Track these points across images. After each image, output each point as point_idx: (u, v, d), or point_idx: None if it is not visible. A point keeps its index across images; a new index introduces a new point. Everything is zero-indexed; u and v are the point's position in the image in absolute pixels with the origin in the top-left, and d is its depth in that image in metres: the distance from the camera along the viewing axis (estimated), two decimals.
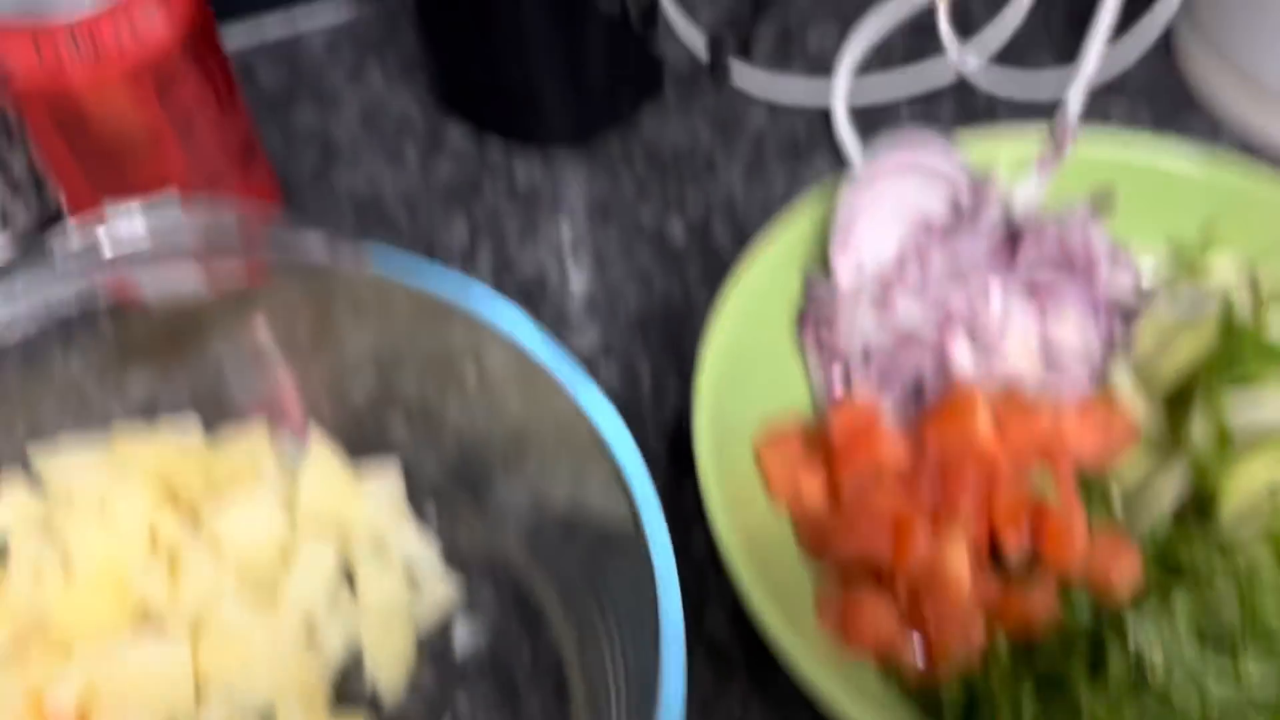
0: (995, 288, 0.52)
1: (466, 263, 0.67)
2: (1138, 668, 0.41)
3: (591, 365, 0.62)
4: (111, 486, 0.49)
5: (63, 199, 0.60)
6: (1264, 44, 0.68)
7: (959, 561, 0.45)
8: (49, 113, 0.53)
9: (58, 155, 0.56)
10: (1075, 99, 0.66)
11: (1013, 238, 0.54)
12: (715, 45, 0.73)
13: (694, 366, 0.51)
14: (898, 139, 0.55)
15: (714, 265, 0.67)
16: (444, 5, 0.68)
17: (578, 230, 0.69)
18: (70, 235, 0.50)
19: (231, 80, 0.59)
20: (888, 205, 0.55)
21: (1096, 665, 0.42)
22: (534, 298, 0.65)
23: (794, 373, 0.56)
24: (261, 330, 0.58)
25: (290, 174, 0.72)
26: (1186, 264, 0.57)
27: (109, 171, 0.56)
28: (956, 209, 0.56)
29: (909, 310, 0.52)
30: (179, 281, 0.53)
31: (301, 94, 0.77)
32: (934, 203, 0.56)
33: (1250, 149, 0.71)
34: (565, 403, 0.46)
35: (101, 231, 0.49)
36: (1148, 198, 0.58)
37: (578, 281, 0.66)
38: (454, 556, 0.54)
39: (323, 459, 0.52)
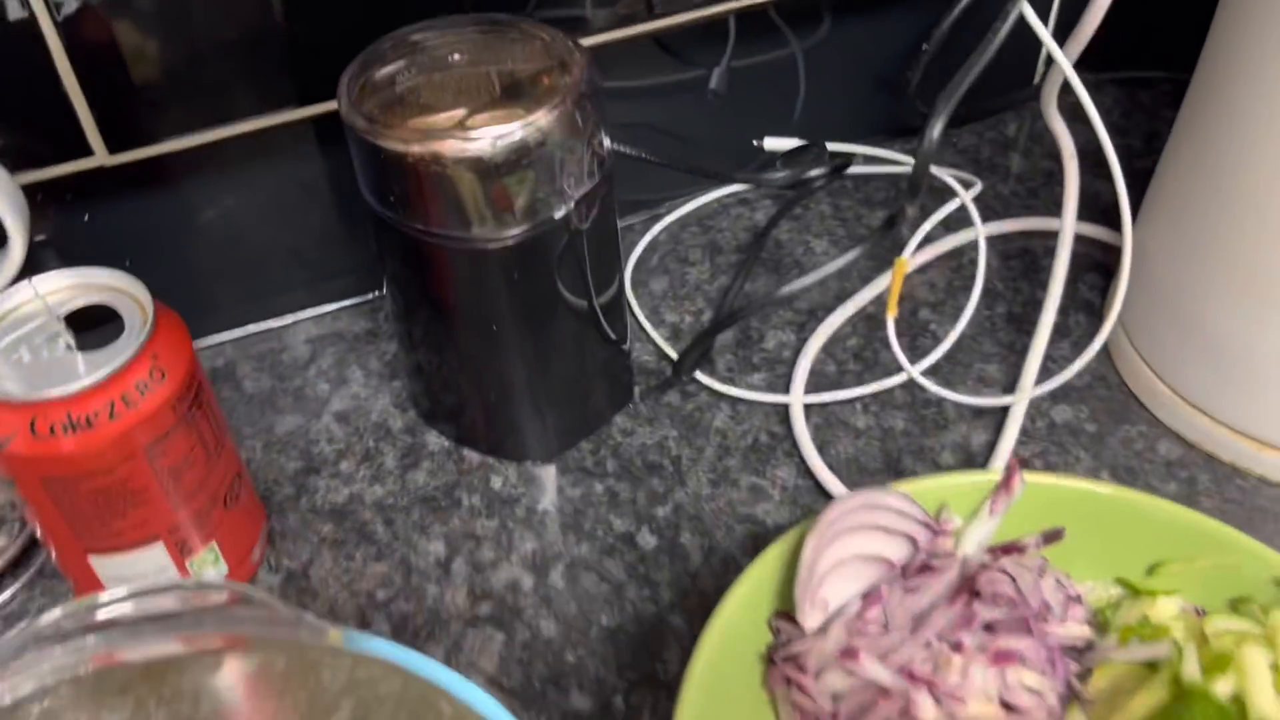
0: (956, 654, 0.54)
1: (442, 577, 0.69)
2: None
3: (564, 689, 0.63)
4: None
5: (50, 551, 0.62)
6: (1187, 360, 0.73)
7: None
8: (38, 477, 0.55)
9: (45, 510, 0.58)
10: (1012, 433, 0.71)
11: (970, 590, 0.56)
12: (681, 362, 0.77)
13: (665, 685, 0.53)
14: (856, 494, 0.58)
15: (683, 577, 0.69)
16: (419, 335, 0.72)
17: (551, 541, 0.71)
18: (55, 613, 0.51)
19: (221, 427, 0.62)
20: (851, 556, 0.57)
21: None
22: (508, 613, 0.67)
23: (764, 716, 0.57)
24: (235, 683, 0.59)
25: (270, 484, 0.74)
26: (1134, 601, 0.60)
27: (95, 525, 0.58)
28: (915, 552, 0.59)
29: (874, 669, 0.54)
30: (160, 649, 0.54)
31: (283, 399, 0.80)
32: (895, 550, 0.58)
33: (1190, 454, 0.75)
34: None
35: (88, 611, 0.51)
36: (1094, 533, 0.61)
37: (550, 595, 0.68)
38: None
39: None
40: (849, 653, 0.54)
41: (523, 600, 0.68)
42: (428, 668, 0.51)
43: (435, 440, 0.77)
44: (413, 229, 0.64)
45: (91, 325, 0.58)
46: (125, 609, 0.53)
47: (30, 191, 0.69)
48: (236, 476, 0.64)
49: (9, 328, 0.57)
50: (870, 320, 0.85)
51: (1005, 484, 0.61)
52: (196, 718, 0.62)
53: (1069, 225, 0.76)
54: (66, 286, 0.58)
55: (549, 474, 0.75)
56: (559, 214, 0.64)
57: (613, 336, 0.75)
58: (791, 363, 0.82)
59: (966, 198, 0.81)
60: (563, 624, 0.67)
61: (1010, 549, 0.61)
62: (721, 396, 0.80)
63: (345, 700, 0.57)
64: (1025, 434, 0.76)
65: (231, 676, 0.63)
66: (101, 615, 0.52)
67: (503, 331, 0.68)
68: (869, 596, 0.57)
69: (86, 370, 0.54)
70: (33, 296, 0.58)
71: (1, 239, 0.61)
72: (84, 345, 0.56)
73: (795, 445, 0.76)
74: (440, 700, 0.51)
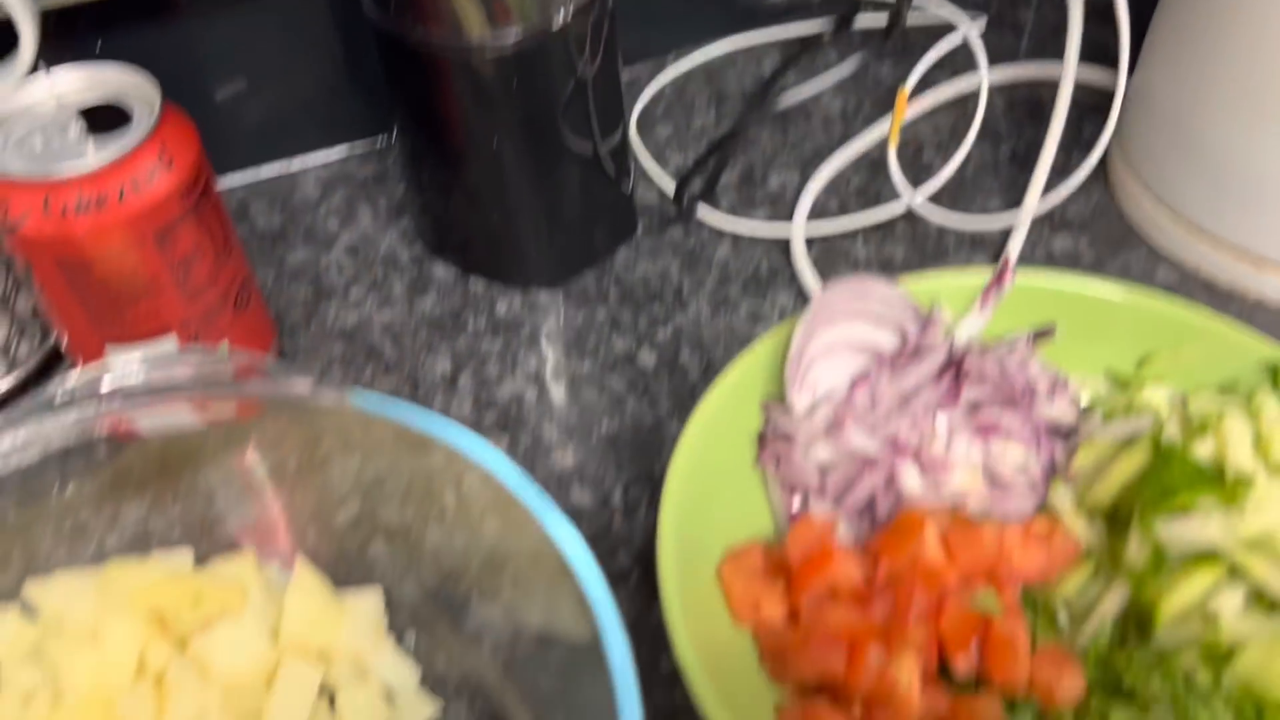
0: (941, 422, 0.55)
1: (448, 390, 0.71)
2: None
3: (565, 486, 0.65)
4: (102, 614, 0.52)
5: (64, 339, 0.64)
6: (1187, 180, 0.73)
7: (908, 679, 0.47)
8: (53, 259, 0.57)
9: (61, 298, 0.60)
10: (1016, 241, 0.71)
11: (957, 371, 0.57)
12: (680, 189, 0.78)
13: (662, 481, 0.54)
14: (848, 281, 0.59)
15: (682, 389, 0.70)
16: (428, 159, 0.74)
17: (554, 359, 0.72)
18: (71, 376, 0.53)
19: (228, 226, 0.64)
20: (840, 343, 0.59)
21: None
22: (512, 422, 0.68)
23: (756, 497, 0.59)
24: (251, 463, 0.61)
25: (283, 309, 0.76)
26: (1123, 394, 0.61)
27: (109, 313, 0.60)
28: (905, 343, 0.60)
29: (860, 438, 0.55)
30: (174, 418, 0.56)
31: (294, 233, 0.82)
32: (884, 339, 0.60)
33: (1187, 280, 0.75)
34: (535, 530, 0.49)
35: (101, 373, 0.53)
36: (1085, 331, 0.62)
37: (553, 406, 0.69)
38: (432, 677, 0.56)
39: (307, 586, 0.55)
40: (836, 424, 0.56)
41: (527, 411, 0.70)
42: (435, 423, 0.53)
43: (442, 270, 0.78)
44: (414, 39, 0.65)
45: (103, 129, 0.59)
46: (137, 376, 0.55)
47: (43, 19, 0.70)
48: (245, 280, 0.66)
49: (23, 117, 0.58)
50: (874, 164, 0.85)
51: (997, 280, 0.62)
52: (210, 513, 0.65)
53: (1072, 57, 0.76)
54: (79, 80, 0.60)
55: (553, 299, 0.76)
56: (555, 24, 0.65)
57: (616, 172, 0.76)
58: (793, 201, 0.82)
59: (971, 31, 0.81)
60: (565, 431, 0.68)
61: (1003, 345, 0.62)
62: (723, 233, 0.81)
63: (355, 464, 0.60)
64: (1024, 262, 0.77)
65: (243, 475, 0.66)
66: (112, 383, 0.55)
67: (504, 150, 0.69)
68: (857, 379, 0.58)
69: (97, 154, 0.56)
70: (47, 90, 0.59)
71: (12, 39, 0.62)
72: (95, 137, 0.57)
73: (795, 275, 0.77)
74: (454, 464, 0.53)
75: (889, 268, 0.77)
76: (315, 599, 0.54)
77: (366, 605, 0.55)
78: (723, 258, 0.79)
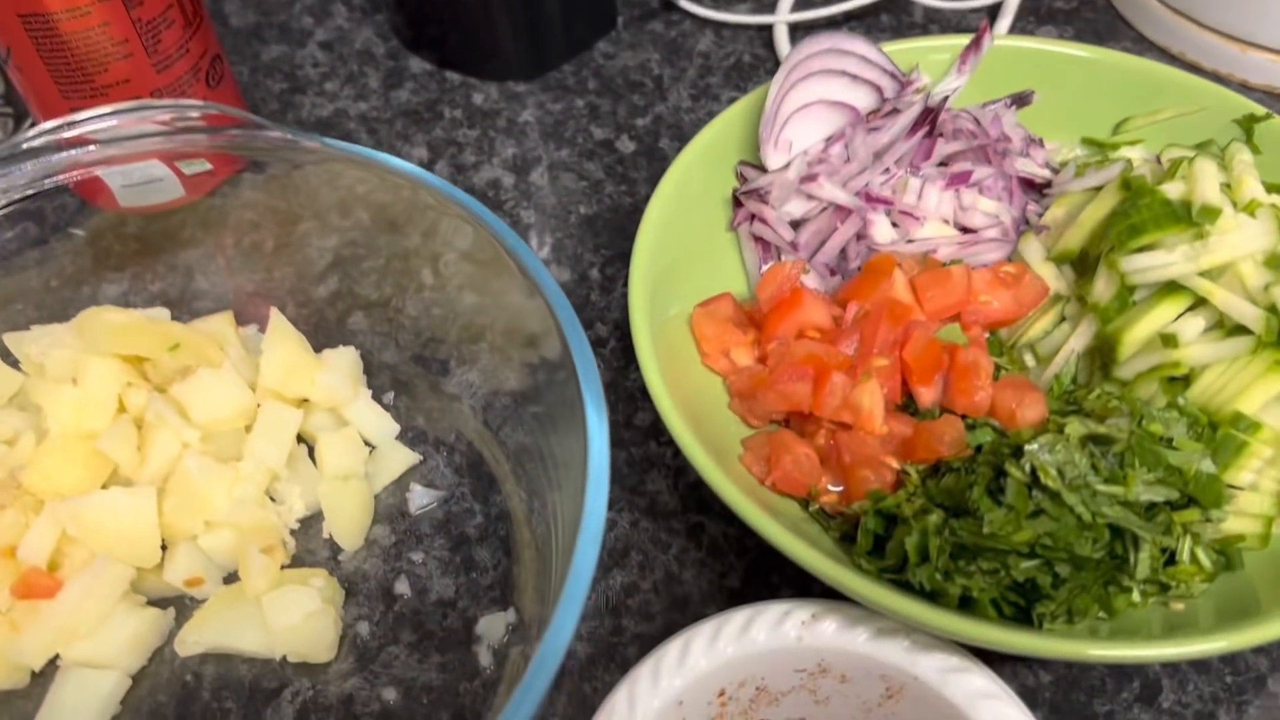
0: (913, 175, 0.55)
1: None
2: (1034, 485, 0.44)
3: (544, 261, 0.65)
4: (81, 357, 0.52)
5: (37, 116, 0.63)
6: None
7: (872, 399, 0.48)
8: (15, 14, 0.56)
9: (31, 67, 0.59)
10: (1003, 25, 0.70)
11: (932, 127, 0.57)
12: None
13: (635, 240, 0.55)
14: (825, 36, 0.58)
15: (660, 173, 0.69)
16: None
17: (532, 147, 0.72)
18: (42, 130, 0.53)
19: (198, 2, 0.63)
20: (816, 101, 0.58)
21: (999, 490, 0.45)
22: (489, 205, 0.68)
23: (730, 260, 0.59)
24: (229, 241, 0.61)
25: (257, 101, 0.76)
26: (1099, 155, 0.61)
27: (78, 81, 0.59)
28: (881, 103, 0.59)
29: (832, 190, 0.55)
30: (148, 176, 0.56)
31: (269, 31, 0.81)
32: (861, 98, 0.59)
33: (1173, 65, 0.74)
34: (513, 276, 0.49)
35: (69, 121, 0.53)
36: (1064, 98, 0.62)
37: (531, 191, 0.69)
38: (413, 432, 0.57)
39: (284, 338, 0.55)
40: (809, 177, 0.56)
41: (504, 195, 0.69)
42: (402, 164, 0.53)
43: (418, 64, 0.78)
44: None
45: None
46: (106, 123, 0.55)
47: None
48: (217, 58, 0.65)
49: None
50: None
51: (975, 42, 0.61)
52: (190, 289, 0.65)
53: None
54: None
55: (530, 91, 0.75)
56: None
57: None
58: None
59: None
60: (543, 213, 0.68)
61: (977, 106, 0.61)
62: (705, 22, 0.79)
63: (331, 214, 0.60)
64: None
65: (221, 253, 0.66)
66: (81, 129, 0.54)
67: None
68: (832, 136, 0.58)
69: None
70: None
71: None
72: None
73: (778, 63, 0.76)
74: (423, 193, 0.53)
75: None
76: (291, 348, 0.55)
77: (343, 360, 0.56)
78: (705, 49, 0.78)
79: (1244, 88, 0.73)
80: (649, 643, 0.49)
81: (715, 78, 0.76)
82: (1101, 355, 0.51)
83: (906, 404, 0.51)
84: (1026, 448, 0.44)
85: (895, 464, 0.48)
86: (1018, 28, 0.77)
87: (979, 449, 0.47)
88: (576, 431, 0.44)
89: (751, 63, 0.77)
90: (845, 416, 0.49)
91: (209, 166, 0.56)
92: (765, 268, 0.57)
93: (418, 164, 0.71)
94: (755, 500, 0.45)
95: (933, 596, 0.43)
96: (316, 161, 0.54)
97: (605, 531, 0.51)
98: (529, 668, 0.36)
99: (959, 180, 0.55)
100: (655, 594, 0.52)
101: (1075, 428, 0.45)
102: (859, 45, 0.59)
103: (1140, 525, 0.43)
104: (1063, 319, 0.54)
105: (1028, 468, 0.44)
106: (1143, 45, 0.76)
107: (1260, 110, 0.58)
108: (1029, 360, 0.54)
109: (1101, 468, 0.44)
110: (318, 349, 0.58)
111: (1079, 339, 0.52)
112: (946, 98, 0.57)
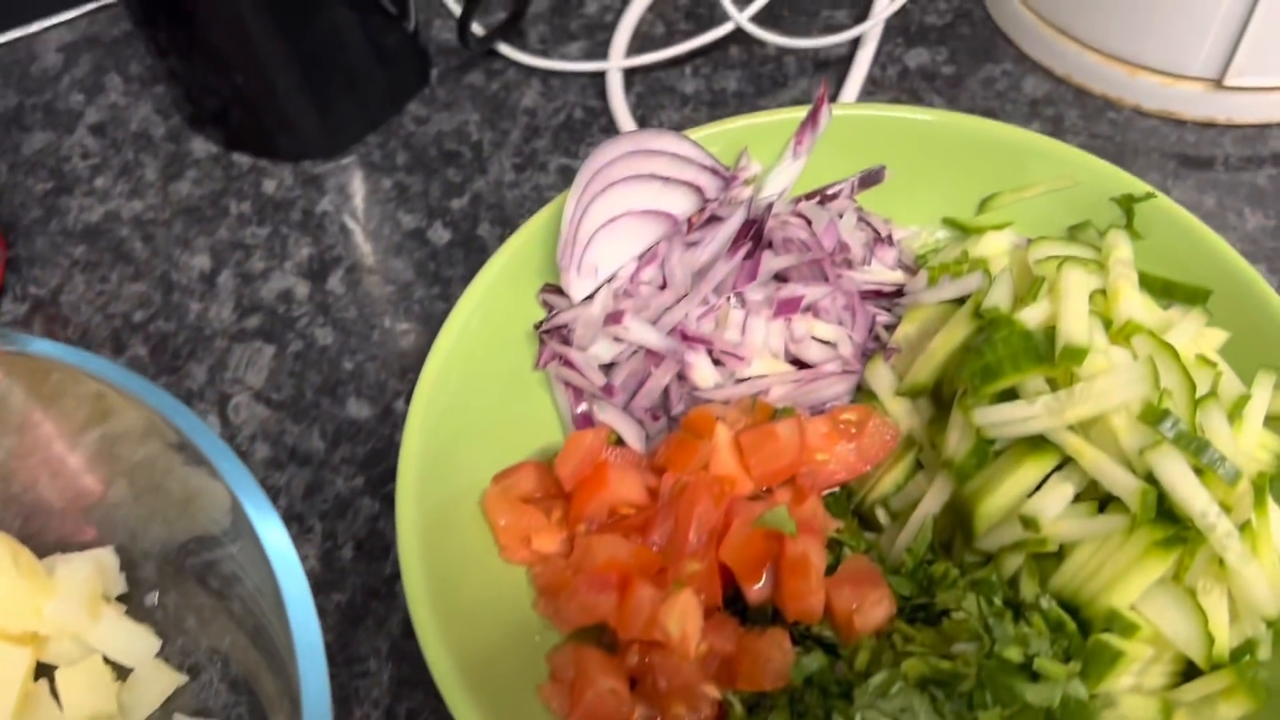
0: (736, 305, 0.46)
1: (207, 292, 0.61)
2: None
3: (341, 399, 0.56)
4: None
5: None
6: None
7: (683, 619, 0.40)
8: None
9: None
10: (864, 59, 0.61)
11: (756, 242, 0.48)
12: (465, 20, 0.66)
13: (409, 412, 0.46)
14: (625, 137, 0.49)
15: (478, 269, 0.60)
16: (160, 13, 0.61)
17: (330, 244, 0.62)
18: None
19: None
20: (623, 214, 0.49)
21: None
22: (279, 325, 0.59)
23: (543, 402, 0.51)
24: None
25: (16, 209, 0.65)
26: (962, 243, 0.52)
27: None
28: (704, 204, 0.50)
29: (641, 331, 0.46)
30: None
31: (31, 115, 0.70)
32: (678, 202, 0.50)
33: (1058, 90, 0.65)
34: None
35: None
36: (921, 172, 0.53)
37: (328, 302, 0.60)
38: (182, 640, 0.49)
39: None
40: (613, 316, 0.47)
41: (296, 309, 0.60)
42: (95, 362, 0.44)
43: (202, 147, 0.67)
44: None
45: None
46: None
47: None
48: None
49: None
50: None
51: (812, 117, 0.52)
52: None
53: None
54: None
55: (329, 172, 0.65)
56: None
57: (395, 7, 0.64)
58: (613, 26, 0.71)
59: None
60: (341, 331, 0.59)
61: (822, 196, 0.53)
62: (532, 71, 0.69)
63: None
64: (874, 83, 0.67)
65: None
66: None
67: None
68: (645, 256, 0.49)
69: None
70: None
71: None
72: None
73: (613, 120, 0.66)
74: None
75: (719, 102, 0.67)
76: (12, 568, 0.46)
77: (79, 573, 0.47)
78: (530, 104, 0.68)
79: (1138, 113, 0.64)
80: None
81: (543, 140, 0.66)
82: (960, 521, 0.44)
83: (736, 596, 0.43)
84: (856, 699, 0.36)
85: (715, 693, 0.40)
86: (884, 53, 0.68)
87: (809, 679, 0.39)
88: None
89: (584, 119, 0.67)
90: (655, 636, 0.41)
91: None
92: (579, 420, 0.49)
93: (198, 275, 0.62)
94: None
95: None
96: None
97: None
98: None
99: (788, 308, 0.47)
100: None
101: (915, 666, 0.37)
102: (669, 142, 0.49)
103: None
104: (918, 467, 0.46)
105: None
106: (1025, 66, 0.67)
107: (1140, 188, 0.50)
108: (882, 518, 0.46)
109: (947, 713, 0.36)
110: (53, 550, 0.49)
111: (933, 499, 0.44)
112: (771, 204, 0.48)
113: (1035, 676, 0.37)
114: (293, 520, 0.53)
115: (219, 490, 0.41)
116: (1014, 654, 0.37)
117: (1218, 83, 0.61)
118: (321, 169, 0.66)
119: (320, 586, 0.51)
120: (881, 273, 0.49)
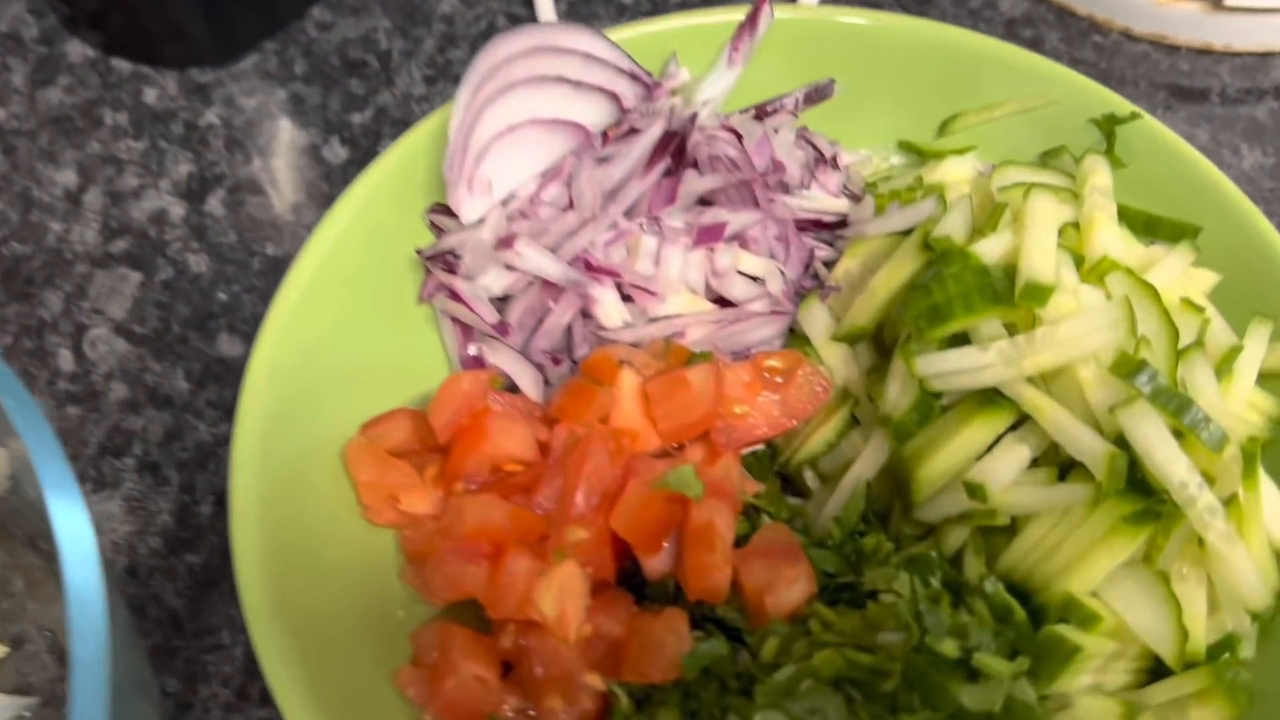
0: (649, 230, 0.40)
1: (71, 211, 0.54)
2: None
3: (212, 335, 0.50)
4: None
5: None
6: None
7: (562, 597, 0.34)
8: None
9: None
10: None
11: (678, 158, 0.41)
12: None
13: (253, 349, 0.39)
14: (529, 30, 0.42)
15: None
16: None
17: (213, 161, 0.55)
18: None
19: None
20: (524, 122, 0.42)
21: None
22: (148, 250, 0.52)
23: (428, 342, 0.44)
24: None
25: None
26: (917, 169, 0.45)
27: None
28: (622, 115, 0.43)
29: (537, 258, 0.40)
30: None
31: None
32: (591, 112, 0.43)
33: (1037, 10, 0.58)
34: None
35: None
36: (875, 88, 0.46)
37: (205, 226, 0.53)
38: (8, 605, 0.42)
39: None
40: (505, 241, 0.40)
41: (169, 233, 0.53)
42: None
43: (78, 50, 0.60)
44: None
45: None
46: None
47: None
48: None
49: None
50: None
51: (750, 21, 0.45)
52: None
53: None
54: None
55: (219, 80, 0.58)
56: None
57: None
58: None
59: None
60: (217, 258, 0.52)
61: (759, 110, 0.46)
62: None
63: None
64: None
65: None
66: None
67: None
68: (548, 173, 0.42)
69: None
70: None
71: None
72: None
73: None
74: None
75: (664, 7, 0.60)
76: None
77: None
78: (449, 10, 0.61)
79: (1126, 37, 0.57)
80: None
81: (459, 50, 0.59)
82: (898, 487, 0.37)
83: (634, 570, 0.37)
84: (757, 697, 0.30)
85: (598, 683, 0.34)
86: None
87: (706, 670, 0.33)
88: None
89: (507, 27, 0.60)
90: (530, 615, 0.34)
91: None
92: (468, 357, 0.42)
93: (63, 193, 0.55)
94: None
95: None
96: None
97: None
98: None
99: (710, 236, 0.40)
100: None
101: (829, 660, 0.31)
102: (581, 39, 0.42)
103: None
104: (854, 424, 0.40)
105: None
106: None
107: (1124, 107, 0.43)
108: (811, 481, 0.40)
109: (864, 717, 0.30)
110: None
111: (869, 461, 0.38)
112: (695, 115, 0.41)
113: (974, 675, 0.31)
114: (147, 470, 0.47)
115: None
116: (948, 648, 0.30)
117: (1217, 2, 0.55)
118: (210, 78, 0.58)
119: (173, 546, 0.45)
120: (823, 200, 0.43)
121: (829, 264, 0.42)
